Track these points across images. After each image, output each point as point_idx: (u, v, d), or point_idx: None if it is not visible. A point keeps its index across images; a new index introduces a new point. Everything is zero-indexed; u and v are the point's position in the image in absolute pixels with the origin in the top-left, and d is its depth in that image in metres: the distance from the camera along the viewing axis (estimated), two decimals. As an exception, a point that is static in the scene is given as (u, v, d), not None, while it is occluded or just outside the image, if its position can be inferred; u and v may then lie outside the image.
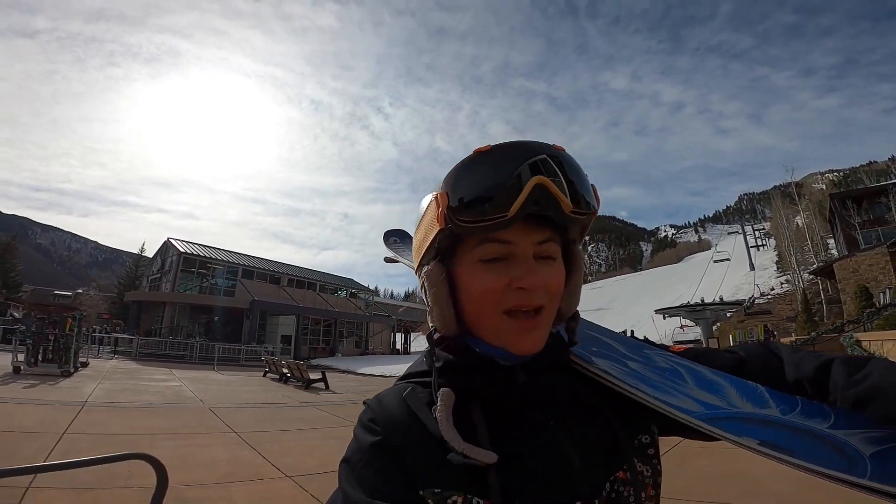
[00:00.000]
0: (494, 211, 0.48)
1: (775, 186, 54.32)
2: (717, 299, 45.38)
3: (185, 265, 30.94)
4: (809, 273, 38.56)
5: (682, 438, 0.62)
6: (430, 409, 0.52)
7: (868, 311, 17.73)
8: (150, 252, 35.17)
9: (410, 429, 0.51)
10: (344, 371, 21.57)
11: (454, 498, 0.47)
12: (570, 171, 0.50)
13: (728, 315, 37.87)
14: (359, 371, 21.69)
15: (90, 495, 3.40)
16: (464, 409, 0.52)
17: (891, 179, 40.96)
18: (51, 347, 11.84)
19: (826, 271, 30.40)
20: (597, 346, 0.65)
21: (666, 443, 0.63)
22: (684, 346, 0.70)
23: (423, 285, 0.57)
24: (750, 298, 46.92)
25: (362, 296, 44.10)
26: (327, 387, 13.08)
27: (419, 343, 58.38)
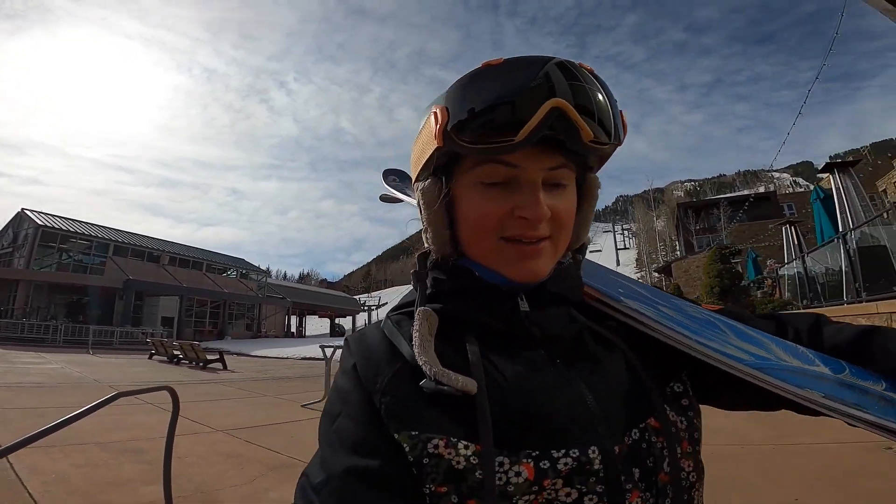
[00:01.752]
0: (500, 133, 0.41)
1: (645, 191, 63.41)
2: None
3: (44, 239, 27.37)
4: (655, 271, 46.04)
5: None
6: (412, 335, 0.45)
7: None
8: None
9: (388, 361, 0.45)
10: (237, 354, 21.32)
11: (434, 441, 0.39)
12: (593, 91, 0.43)
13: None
14: (252, 353, 21.59)
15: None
16: (454, 339, 0.46)
17: (735, 192, 49.97)
18: None
19: (667, 270, 36.69)
20: (623, 288, 0.58)
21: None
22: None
23: (418, 203, 0.52)
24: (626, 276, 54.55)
25: (254, 276, 42.51)
26: (225, 367, 13.39)
27: (315, 326, 57.67)
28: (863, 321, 4.47)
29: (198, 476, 3.46)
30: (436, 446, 0.39)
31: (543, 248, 0.47)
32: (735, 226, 32.50)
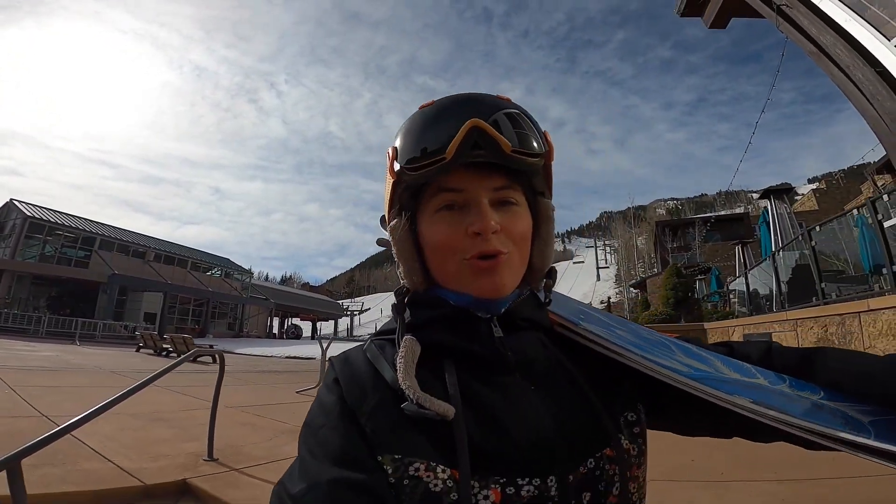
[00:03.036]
0: (434, 154, 0.48)
1: (628, 208, 65.34)
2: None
3: (31, 230, 27.30)
4: (631, 286, 47.48)
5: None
6: (394, 361, 0.48)
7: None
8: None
9: (374, 385, 0.48)
10: (221, 351, 21.56)
11: (416, 465, 0.42)
12: (511, 115, 0.50)
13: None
14: (237, 351, 21.88)
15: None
16: (434, 366, 0.49)
17: (715, 212, 51.74)
18: None
19: (642, 285, 37.99)
20: (584, 315, 0.62)
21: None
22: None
23: (391, 239, 0.56)
24: (588, 304, 56.17)
25: (238, 276, 42.58)
26: (215, 360, 13.86)
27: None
28: (776, 327, 5.38)
29: (223, 438, 4.12)
30: (416, 469, 0.42)
31: (501, 262, 0.49)
32: (709, 245, 33.93)
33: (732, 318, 7.84)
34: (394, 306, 0.55)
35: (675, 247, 40.87)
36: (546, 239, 0.56)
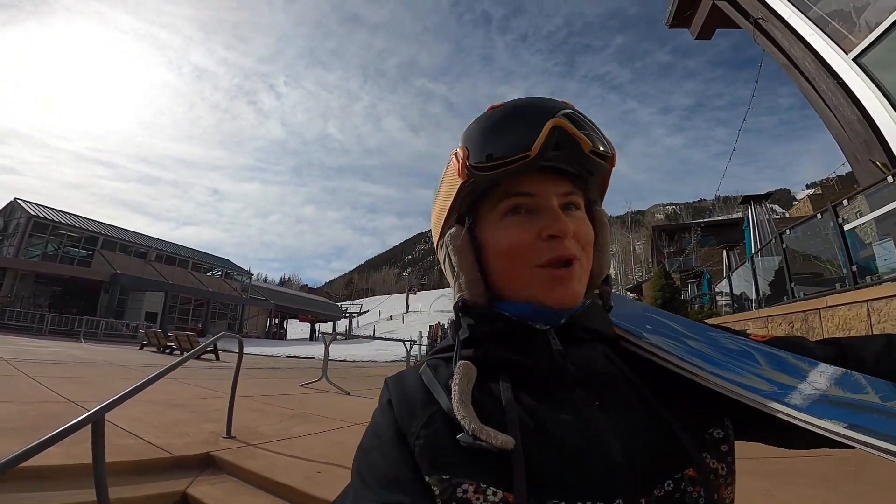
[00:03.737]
0: (516, 151, 0.47)
1: (628, 213, 65.92)
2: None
3: (35, 229, 27.64)
4: (627, 290, 47.91)
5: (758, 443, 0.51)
6: (449, 385, 0.47)
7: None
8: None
9: (425, 406, 0.47)
10: (222, 350, 21.94)
11: (464, 486, 0.40)
12: (581, 117, 0.50)
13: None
14: (236, 350, 22.16)
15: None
16: (489, 385, 0.47)
17: (713, 216, 52.03)
18: None
19: (638, 289, 38.37)
20: (651, 324, 0.58)
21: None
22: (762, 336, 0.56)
23: (446, 253, 0.54)
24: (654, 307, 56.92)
25: (238, 277, 42.91)
26: (218, 357, 14.22)
27: (296, 330, 57.89)
28: (749, 324, 5.75)
29: (238, 421, 4.46)
30: (465, 491, 0.40)
31: (575, 269, 0.48)
32: (705, 249, 34.39)
33: (716, 317, 8.22)
34: (451, 322, 0.55)
35: (671, 251, 41.47)
36: (603, 245, 0.55)
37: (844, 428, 0.37)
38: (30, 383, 5.98)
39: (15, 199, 29.15)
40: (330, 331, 45.42)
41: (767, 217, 9.11)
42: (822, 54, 4.66)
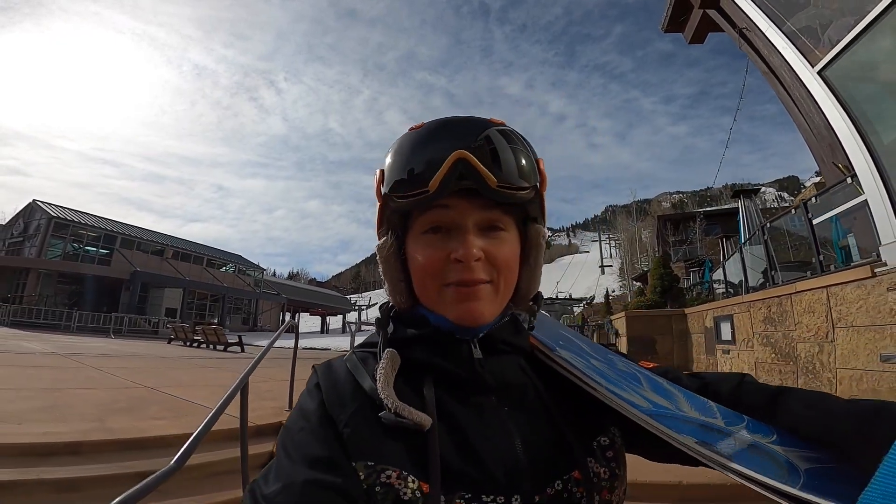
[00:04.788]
0: (418, 186, 0.49)
1: (633, 202, 66.08)
2: (568, 296, 54.71)
3: (56, 230, 28.62)
4: (633, 279, 48.38)
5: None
6: (374, 372, 0.50)
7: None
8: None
9: (353, 394, 0.50)
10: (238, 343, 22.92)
11: (388, 472, 0.43)
12: (500, 145, 0.50)
13: (575, 310, 45.97)
14: (256, 343, 23.12)
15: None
16: (413, 382, 0.51)
17: (722, 205, 51.71)
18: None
19: (643, 278, 38.76)
20: (564, 341, 0.63)
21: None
22: (652, 364, 0.67)
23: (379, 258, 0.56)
24: (590, 297, 57.16)
25: (251, 272, 43.89)
26: (243, 349, 15.10)
27: (306, 324, 58.86)
28: (735, 309, 6.42)
29: (271, 393, 5.22)
30: (388, 476, 0.43)
31: (482, 290, 0.50)
32: (709, 238, 34.67)
33: (711, 302, 8.89)
34: (377, 320, 0.57)
35: (676, 240, 41.65)
36: (534, 265, 0.57)
37: (695, 443, 0.45)
38: (98, 373, 6.79)
39: (34, 200, 30.12)
40: (352, 320, 46.47)
41: (756, 209, 9.74)
42: (793, 66, 5.19)
